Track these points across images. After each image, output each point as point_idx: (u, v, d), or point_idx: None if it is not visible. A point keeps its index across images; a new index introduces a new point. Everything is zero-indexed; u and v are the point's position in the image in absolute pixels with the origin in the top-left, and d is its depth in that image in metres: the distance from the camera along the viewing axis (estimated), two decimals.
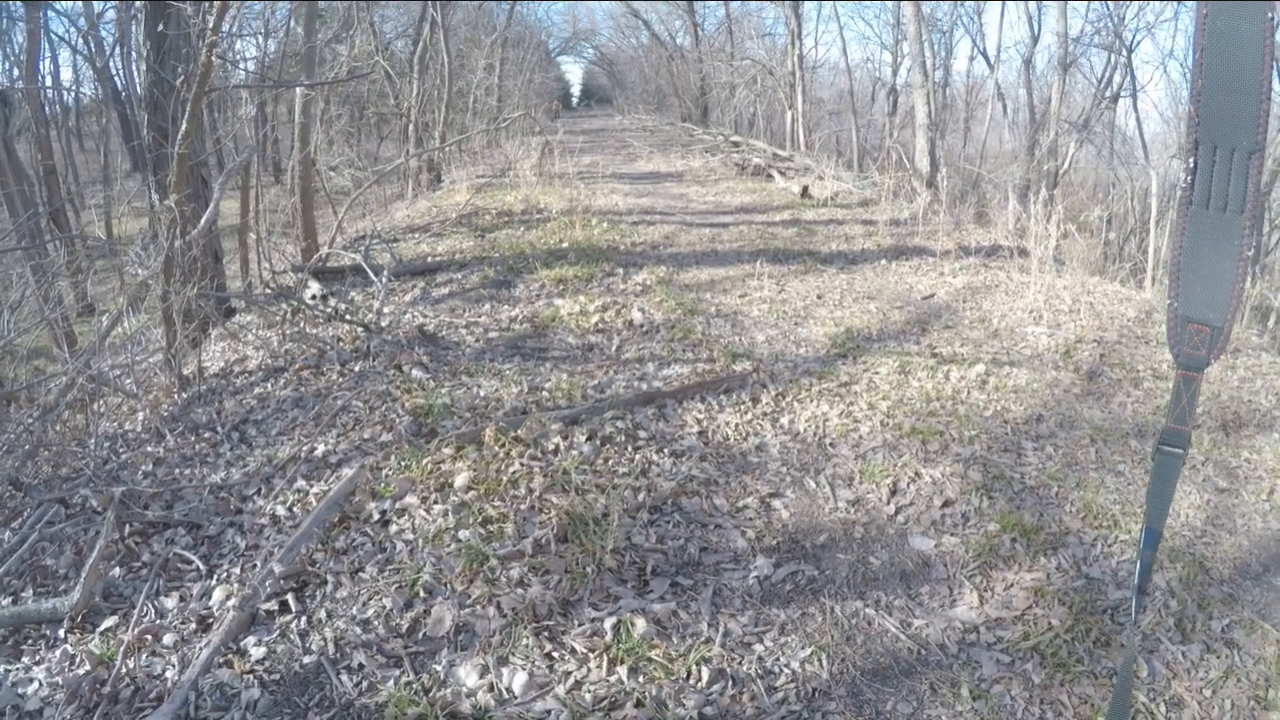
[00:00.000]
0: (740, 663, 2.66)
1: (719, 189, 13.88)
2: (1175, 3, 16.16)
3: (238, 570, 3.19)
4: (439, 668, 2.63)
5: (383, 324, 5.98)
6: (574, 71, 69.12)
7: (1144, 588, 1.43)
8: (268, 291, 6.97)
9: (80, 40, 20.41)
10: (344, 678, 2.60)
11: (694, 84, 32.40)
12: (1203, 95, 1.20)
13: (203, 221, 5.66)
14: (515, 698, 2.49)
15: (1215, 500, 3.69)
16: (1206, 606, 2.96)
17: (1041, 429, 4.39)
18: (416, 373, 5.02)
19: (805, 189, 12.51)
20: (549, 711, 2.43)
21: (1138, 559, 1.44)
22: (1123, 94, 17.97)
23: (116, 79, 20.37)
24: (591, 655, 2.66)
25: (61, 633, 2.86)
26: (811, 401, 4.71)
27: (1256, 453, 4.13)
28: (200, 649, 2.69)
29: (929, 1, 19.66)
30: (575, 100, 66.60)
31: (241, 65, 13.22)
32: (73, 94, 23.25)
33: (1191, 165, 1.23)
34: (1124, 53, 17.09)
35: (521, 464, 3.76)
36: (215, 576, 3.16)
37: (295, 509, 3.58)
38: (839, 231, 9.88)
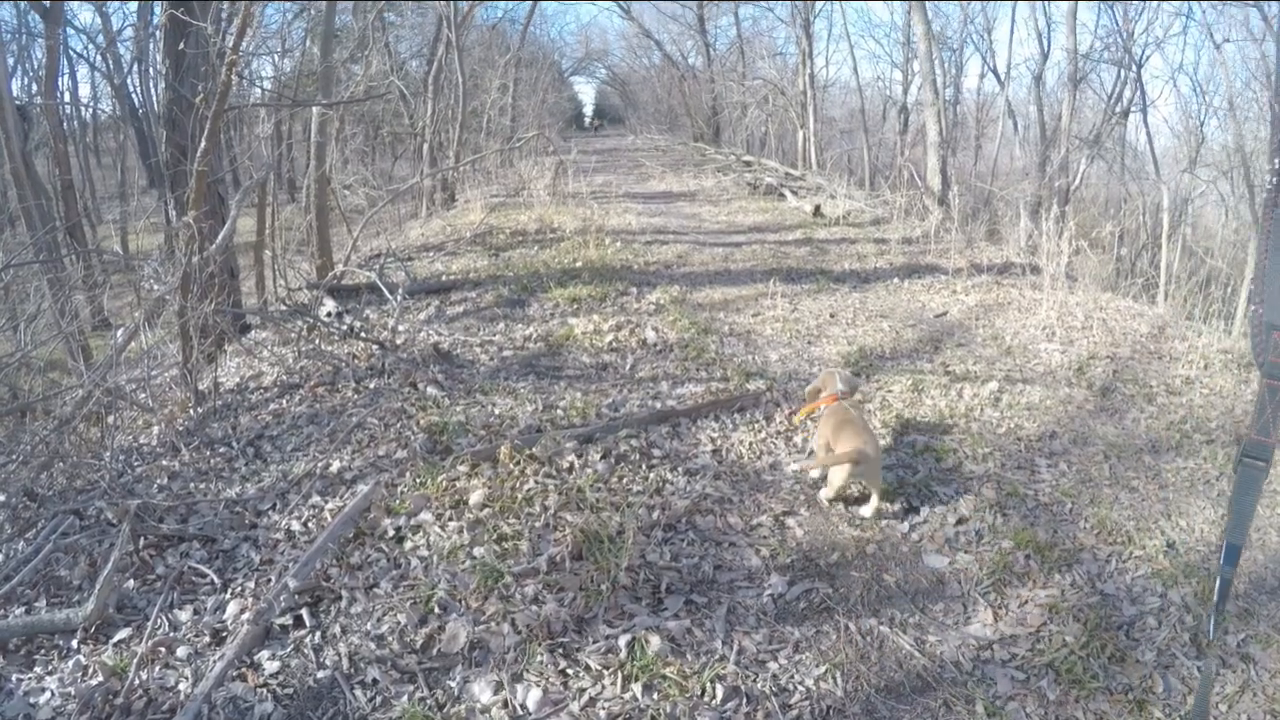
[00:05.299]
0: (754, 680, 2.65)
1: (731, 208, 13.92)
2: (1185, 2, 16.18)
3: (252, 584, 3.20)
4: (453, 684, 2.63)
5: (398, 342, 6.01)
6: (586, 91, 69.47)
7: (1222, 607, 1.36)
8: (283, 308, 7.02)
9: (99, 57, 20.73)
10: (358, 693, 2.60)
11: (706, 104, 32.51)
12: None
13: (219, 238, 5.72)
14: (529, 714, 2.49)
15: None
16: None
17: (1055, 446, 4.37)
18: (431, 390, 5.05)
19: (817, 208, 12.53)
20: None
21: (1217, 575, 1.37)
22: (1133, 109, 17.98)
23: (134, 96, 20.66)
24: (606, 672, 2.66)
25: (74, 643, 2.88)
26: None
27: (1272, 466, 4.09)
28: (214, 662, 2.69)
29: (940, 1, 19.71)
30: (588, 120, 66.90)
31: (259, 84, 13.36)
32: (91, 110, 23.57)
33: (1277, 167, 1.18)
34: (1134, 68, 17.11)
35: (536, 482, 3.77)
36: (229, 590, 3.17)
37: (310, 524, 3.59)
38: (851, 250, 9.89)
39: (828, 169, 19.29)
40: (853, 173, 21.81)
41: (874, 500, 3.70)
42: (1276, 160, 1.18)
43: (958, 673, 2.72)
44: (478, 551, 3.24)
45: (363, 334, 6.11)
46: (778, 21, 28.17)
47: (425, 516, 3.53)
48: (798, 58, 23.79)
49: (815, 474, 3.92)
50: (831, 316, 6.95)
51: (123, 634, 2.91)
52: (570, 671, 2.67)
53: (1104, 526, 3.55)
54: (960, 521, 3.62)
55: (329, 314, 6.80)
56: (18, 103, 13.57)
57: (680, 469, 4.05)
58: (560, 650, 2.76)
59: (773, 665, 2.74)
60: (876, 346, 6.08)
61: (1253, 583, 3.19)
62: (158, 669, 2.72)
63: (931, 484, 3.94)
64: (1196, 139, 17.04)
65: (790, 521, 3.65)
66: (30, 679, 2.72)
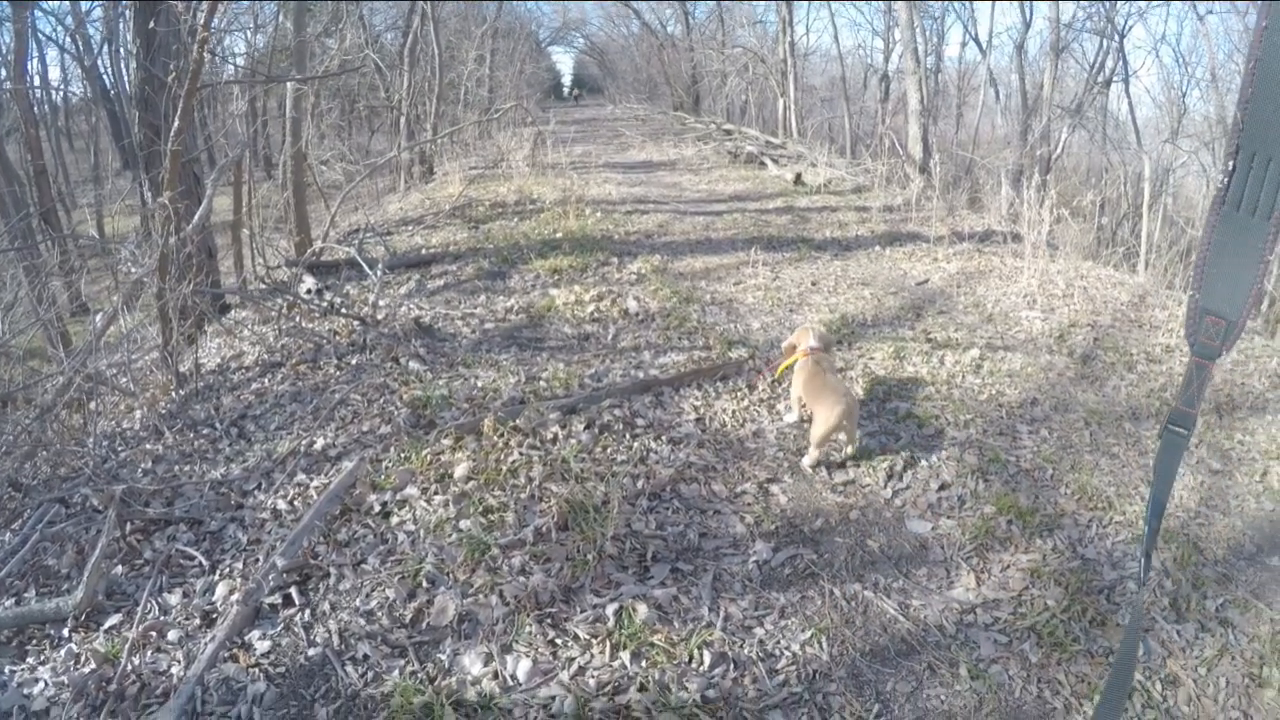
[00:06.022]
0: (741, 646, 2.69)
1: (712, 177, 13.87)
2: None
3: (240, 565, 3.20)
4: (443, 657, 2.65)
5: (378, 317, 5.99)
6: (565, 61, 68.92)
7: (1150, 551, 1.48)
8: (262, 287, 6.96)
9: (68, 39, 20.36)
10: (349, 669, 2.62)
11: (685, 72, 32.32)
12: (1250, 104, 1.22)
13: (196, 218, 5.65)
14: (519, 684, 2.52)
15: (1209, 482, 3.72)
16: (1201, 586, 2.99)
17: (1036, 412, 4.41)
18: (414, 365, 5.03)
19: (798, 176, 12.51)
20: (553, 697, 2.45)
21: (1145, 525, 1.48)
22: (1115, 79, 18.02)
23: (105, 77, 20.35)
24: (594, 641, 2.68)
25: (66, 632, 2.87)
26: None
27: (1249, 435, 4.15)
28: (205, 644, 2.70)
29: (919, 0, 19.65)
30: (566, 90, 66.37)
31: (231, 61, 13.16)
32: (61, 93, 23.19)
33: (1230, 168, 1.26)
34: (1116, 38, 17.13)
35: (521, 453, 3.78)
36: (218, 572, 3.17)
37: (296, 503, 3.59)
38: (833, 218, 9.89)
39: (809, 137, 19.24)
40: (834, 141, 21.78)
41: (849, 449, 3.92)
42: (1230, 162, 1.25)
43: (941, 636, 2.76)
44: (464, 524, 3.26)
45: (343, 310, 6.08)
46: None
47: (411, 491, 3.54)
48: (778, 25, 23.66)
49: (791, 418, 4.00)
50: (813, 284, 6.97)
51: (113, 620, 2.91)
52: (559, 641, 2.70)
53: (1085, 492, 3.60)
54: (943, 487, 3.66)
55: (309, 291, 6.75)
56: None
57: (664, 438, 4.07)
58: (548, 620, 2.78)
59: (759, 631, 2.77)
60: (858, 314, 6.10)
61: (1231, 549, 3.25)
62: (150, 653, 2.73)
63: (914, 450, 3.97)
64: (1178, 109, 17.12)
65: (774, 488, 3.68)
66: (23, 670, 2.72)
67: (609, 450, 3.93)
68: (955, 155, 16.23)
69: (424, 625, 2.79)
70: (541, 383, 4.75)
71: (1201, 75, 16.73)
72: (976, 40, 23.77)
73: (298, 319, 6.07)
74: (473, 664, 2.61)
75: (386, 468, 3.76)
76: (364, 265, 7.07)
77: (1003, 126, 22.23)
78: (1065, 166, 17.06)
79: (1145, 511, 1.52)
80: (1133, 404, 4.51)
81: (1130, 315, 5.98)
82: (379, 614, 2.84)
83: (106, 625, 2.89)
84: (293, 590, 2.97)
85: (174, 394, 4.90)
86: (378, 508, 3.45)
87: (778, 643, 2.72)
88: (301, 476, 3.80)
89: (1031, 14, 19.50)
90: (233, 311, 6.98)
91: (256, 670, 2.63)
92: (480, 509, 3.36)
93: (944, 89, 24.25)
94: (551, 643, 2.69)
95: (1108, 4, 16.58)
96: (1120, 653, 1.52)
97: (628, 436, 4.07)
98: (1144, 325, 5.77)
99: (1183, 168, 16.38)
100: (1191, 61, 17.87)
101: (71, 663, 2.72)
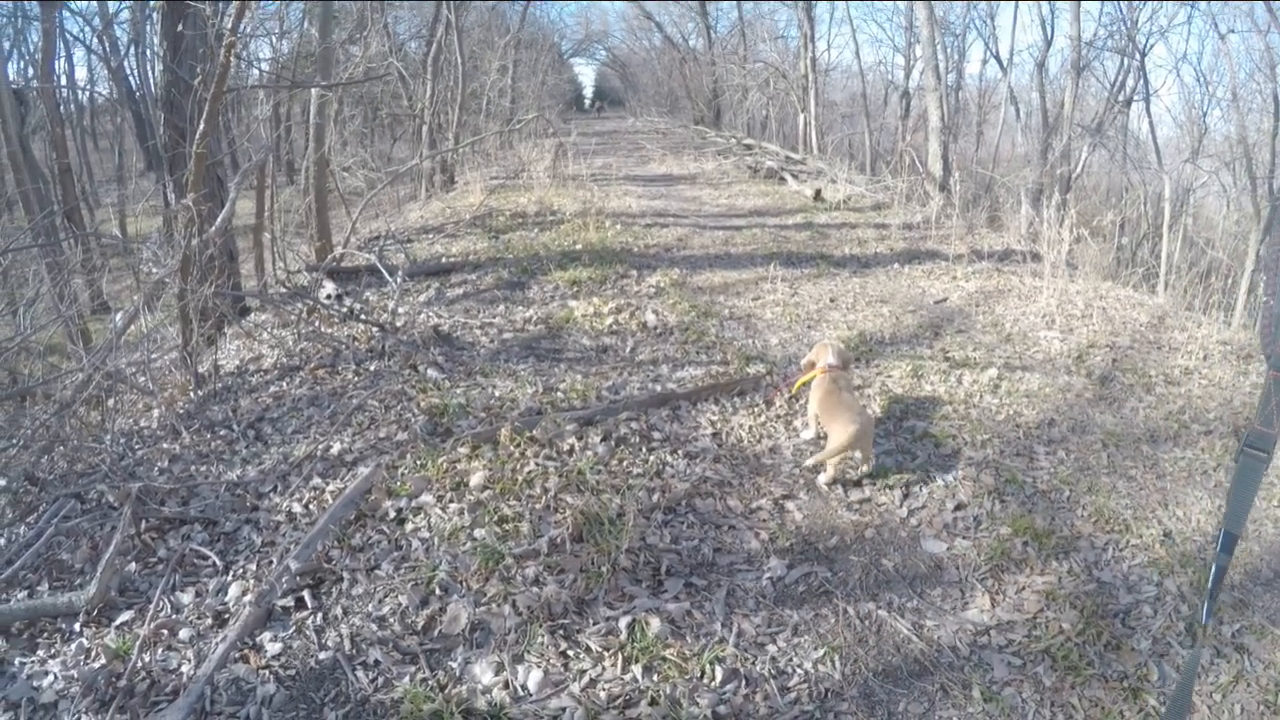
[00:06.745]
0: (754, 663, 2.67)
1: (731, 192, 13.88)
2: (1190, 3, 16.11)
3: (254, 567, 3.21)
4: (454, 665, 2.65)
5: (398, 324, 6.01)
6: (586, 73, 69.15)
7: (1216, 594, 1.36)
8: (283, 291, 7.01)
9: (95, 40, 20.60)
10: (360, 674, 2.62)
11: (706, 86, 32.37)
12: None
13: (219, 221, 5.70)
14: (530, 695, 2.51)
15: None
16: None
17: (1053, 433, 4.38)
18: (432, 373, 5.05)
19: (818, 192, 12.50)
20: (564, 709, 2.44)
21: (1213, 563, 1.36)
22: (1136, 98, 17.92)
23: (131, 78, 20.56)
24: (606, 654, 2.67)
25: (77, 626, 2.89)
26: None
27: (1273, 458, 4.10)
28: (216, 644, 2.71)
29: (942, 1, 19.62)
30: (588, 102, 66.65)
31: (257, 65, 13.28)
32: (87, 93, 23.45)
33: None
34: (1137, 56, 17.04)
35: (537, 464, 3.78)
36: (231, 572, 3.18)
37: (311, 506, 3.60)
38: (852, 235, 9.87)
39: (829, 153, 19.20)
40: (854, 157, 21.74)
41: (865, 467, 3.92)
42: None
43: (955, 658, 2.74)
44: (478, 533, 3.26)
45: (362, 316, 6.11)
46: (779, 4, 28.00)
47: (426, 498, 3.55)
48: (799, 41, 23.65)
49: (809, 462, 3.95)
50: (831, 301, 6.95)
51: (125, 616, 2.93)
52: (571, 653, 2.69)
53: (1101, 515, 3.57)
54: (959, 507, 3.64)
55: (328, 296, 6.79)
56: (14, 86, 13.53)
57: (680, 452, 4.07)
58: (561, 631, 2.78)
59: (772, 648, 2.76)
60: (876, 331, 6.08)
61: (1248, 574, 3.22)
62: (160, 651, 2.74)
63: (930, 469, 3.95)
64: (1199, 129, 17.00)
65: (789, 505, 3.66)
66: (33, 662, 2.74)
67: (625, 463, 3.92)
68: (975, 173, 16.17)
69: (436, 633, 2.79)
70: (559, 394, 4.75)
71: (1222, 95, 16.63)
72: (997, 58, 23.67)
73: (317, 324, 6.11)
74: (484, 673, 2.60)
75: (402, 474, 3.77)
76: (384, 272, 7.10)
77: (1023, 145, 22.11)
78: (1085, 186, 16.97)
79: (1215, 548, 1.39)
80: (1151, 426, 4.47)
81: (1149, 337, 5.93)
82: (391, 620, 2.85)
83: (118, 621, 2.91)
84: (305, 593, 2.98)
85: (192, 394, 4.94)
86: (392, 514, 3.46)
87: (790, 660, 2.71)
88: (317, 480, 3.82)
89: (1053, 32, 19.36)
90: (252, 314, 7.03)
91: (267, 672, 2.64)
92: (495, 518, 3.36)
93: (964, 106, 24.22)
94: (563, 654, 2.69)
95: (1130, 6, 16.47)
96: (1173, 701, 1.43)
97: (644, 449, 4.07)
98: (1163, 347, 5.72)
99: (1203, 188, 16.27)
100: (1212, 81, 17.80)
101: (82, 657, 2.74)
